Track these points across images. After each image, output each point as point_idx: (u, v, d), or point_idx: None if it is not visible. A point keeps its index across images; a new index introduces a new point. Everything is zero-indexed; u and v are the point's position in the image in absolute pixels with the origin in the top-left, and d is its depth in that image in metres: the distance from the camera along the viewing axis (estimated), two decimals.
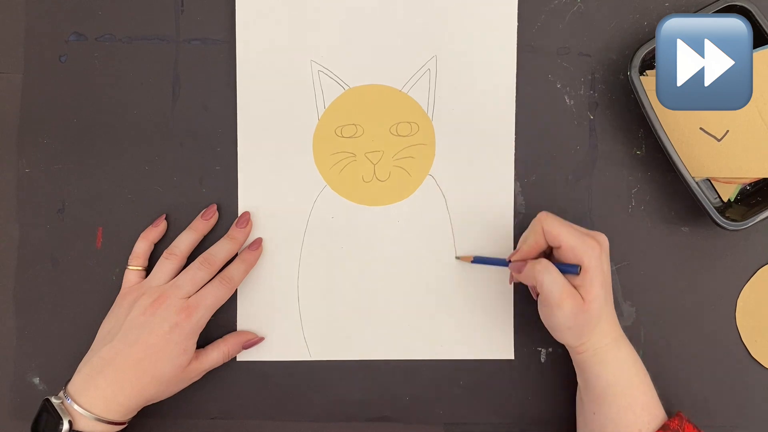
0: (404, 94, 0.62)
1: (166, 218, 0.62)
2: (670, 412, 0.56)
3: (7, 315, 0.62)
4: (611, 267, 0.56)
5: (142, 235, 0.61)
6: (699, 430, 0.55)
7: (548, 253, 0.57)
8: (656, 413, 0.55)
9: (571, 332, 0.54)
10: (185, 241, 0.60)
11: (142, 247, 0.60)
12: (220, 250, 0.59)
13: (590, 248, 0.53)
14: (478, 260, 0.61)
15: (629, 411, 0.54)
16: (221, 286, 0.58)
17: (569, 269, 0.54)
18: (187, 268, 0.59)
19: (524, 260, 0.56)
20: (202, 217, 0.61)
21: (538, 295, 0.56)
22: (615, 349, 0.55)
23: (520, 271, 0.56)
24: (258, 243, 0.61)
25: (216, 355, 0.59)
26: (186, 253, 0.60)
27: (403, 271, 0.62)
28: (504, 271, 0.61)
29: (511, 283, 0.61)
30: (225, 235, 0.61)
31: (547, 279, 0.53)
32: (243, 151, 0.62)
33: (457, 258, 0.62)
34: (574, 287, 0.53)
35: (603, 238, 0.55)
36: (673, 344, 0.62)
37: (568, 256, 0.54)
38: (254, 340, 0.61)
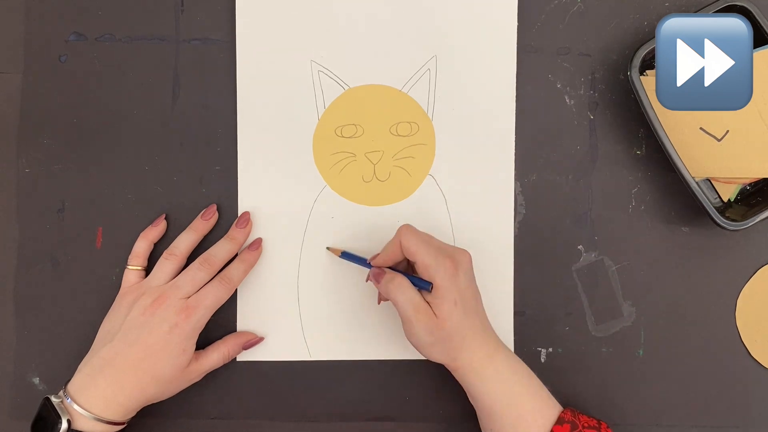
0: (404, 94, 0.62)
1: (166, 218, 0.62)
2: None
3: (7, 315, 0.62)
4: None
5: (141, 234, 0.61)
6: (593, 419, 0.55)
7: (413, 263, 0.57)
8: (548, 413, 0.55)
9: (435, 349, 0.55)
10: (185, 241, 0.60)
11: (141, 247, 0.60)
12: (220, 251, 0.59)
13: (443, 268, 0.54)
14: (345, 255, 0.60)
15: (521, 420, 0.54)
16: (221, 287, 0.58)
17: (422, 285, 0.55)
18: (187, 268, 0.59)
19: (382, 269, 0.57)
20: (202, 217, 0.61)
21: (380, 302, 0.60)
22: (489, 363, 0.55)
23: (378, 281, 0.56)
24: (258, 243, 0.61)
25: (216, 356, 0.59)
26: (186, 253, 0.60)
27: None
28: (505, 264, 0.61)
29: (367, 281, 0.60)
30: (225, 236, 0.61)
31: (400, 297, 0.54)
32: (243, 151, 0.62)
33: (328, 249, 0.62)
34: (429, 304, 0.54)
35: (463, 257, 0.55)
36: (673, 344, 0.62)
37: (422, 272, 0.55)
38: (254, 341, 0.61)
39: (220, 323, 0.61)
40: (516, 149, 0.62)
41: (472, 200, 0.62)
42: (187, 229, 0.61)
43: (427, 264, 0.54)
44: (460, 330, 0.54)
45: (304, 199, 0.62)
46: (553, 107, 0.63)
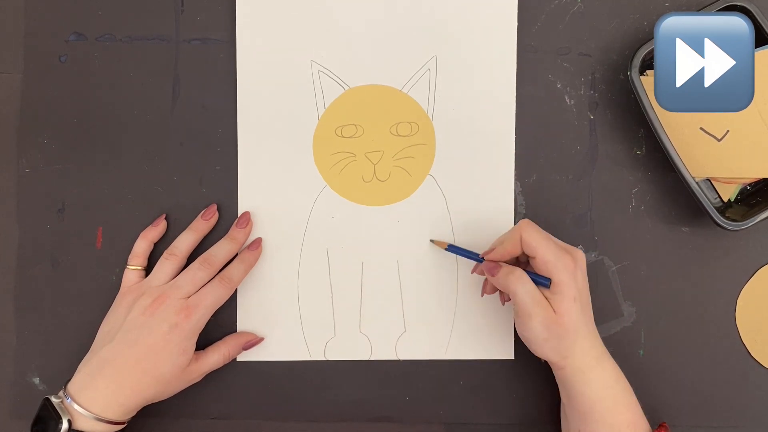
0: (404, 94, 0.62)
1: (166, 218, 0.62)
2: (654, 422, 0.56)
3: (7, 315, 0.62)
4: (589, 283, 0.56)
5: (141, 234, 0.61)
6: None
7: (523, 260, 0.57)
8: (641, 429, 0.55)
9: (548, 344, 0.54)
10: (185, 241, 0.60)
11: (141, 247, 0.60)
12: (220, 251, 0.59)
13: (563, 264, 0.54)
14: (452, 248, 0.60)
15: (614, 429, 0.54)
16: (221, 286, 0.58)
17: (541, 281, 0.54)
18: (187, 268, 0.59)
19: (497, 262, 0.56)
20: (202, 217, 0.61)
21: (505, 301, 0.59)
22: (598, 367, 0.55)
23: (493, 274, 0.56)
24: (258, 243, 0.61)
25: (216, 357, 0.59)
26: (186, 253, 0.60)
27: (403, 271, 0.62)
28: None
29: (473, 273, 0.60)
30: (225, 236, 0.60)
31: (520, 289, 0.54)
32: (243, 151, 0.62)
33: (432, 241, 0.62)
34: (547, 299, 0.54)
35: (580, 255, 0.55)
36: (673, 344, 0.62)
37: (540, 268, 0.54)
38: (254, 341, 0.61)
39: (220, 323, 0.61)
40: (516, 149, 0.62)
41: (472, 200, 0.62)
42: (187, 229, 0.61)
43: (547, 260, 0.54)
44: (576, 327, 0.54)
45: (304, 199, 0.62)
46: (553, 107, 0.63)
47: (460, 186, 0.62)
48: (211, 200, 0.62)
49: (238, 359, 0.62)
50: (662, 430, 0.56)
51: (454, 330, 0.62)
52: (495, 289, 0.59)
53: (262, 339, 0.61)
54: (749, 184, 0.62)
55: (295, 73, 0.62)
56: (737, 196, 0.61)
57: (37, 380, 0.62)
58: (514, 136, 0.62)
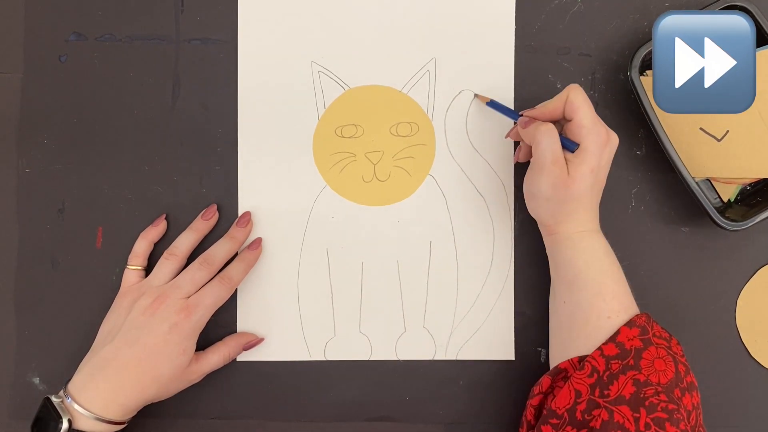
0: (404, 95, 0.62)
1: (166, 218, 0.62)
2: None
3: (7, 315, 0.62)
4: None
5: (141, 234, 0.61)
6: (666, 332, 0.54)
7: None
8: (627, 304, 0.54)
9: (548, 205, 0.55)
10: (185, 241, 0.60)
11: (141, 247, 0.60)
12: (219, 250, 0.59)
13: (596, 134, 0.54)
14: (492, 104, 0.60)
15: (599, 298, 0.54)
16: (221, 286, 0.58)
17: (568, 144, 0.54)
18: (186, 268, 0.59)
19: (534, 119, 0.56)
20: (202, 217, 0.61)
21: (518, 160, 0.60)
22: (588, 237, 0.55)
23: (524, 127, 0.56)
24: (258, 243, 0.61)
25: (216, 358, 0.59)
26: (186, 253, 0.60)
27: (403, 271, 0.62)
28: (505, 264, 0.61)
29: (506, 137, 0.61)
30: (225, 235, 0.61)
31: (545, 141, 0.54)
32: (243, 151, 0.62)
33: (476, 95, 0.62)
34: (567, 162, 0.54)
35: (615, 137, 0.55)
36: None
37: (573, 132, 0.54)
38: (254, 342, 0.61)
39: (220, 323, 0.61)
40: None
41: (472, 200, 0.62)
42: (188, 229, 0.61)
43: (583, 124, 0.54)
44: (581, 197, 0.54)
45: (304, 199, 0.62)
46: None
47: (460, 186, 0.62)
48: (211, 200, 0.62)
49: (238, 359, 0.62)
50: (645, 316, 0.54)
51: (454, 330, 0.62)
52: (527, 156, 0.59)
53: (262, 339, 0.61)
54: (749, 184, 0.62)
55: (296, 74, 0.62)
56: (737, 196, 0.61)
57: (37, 380, 0.62)
58: None
